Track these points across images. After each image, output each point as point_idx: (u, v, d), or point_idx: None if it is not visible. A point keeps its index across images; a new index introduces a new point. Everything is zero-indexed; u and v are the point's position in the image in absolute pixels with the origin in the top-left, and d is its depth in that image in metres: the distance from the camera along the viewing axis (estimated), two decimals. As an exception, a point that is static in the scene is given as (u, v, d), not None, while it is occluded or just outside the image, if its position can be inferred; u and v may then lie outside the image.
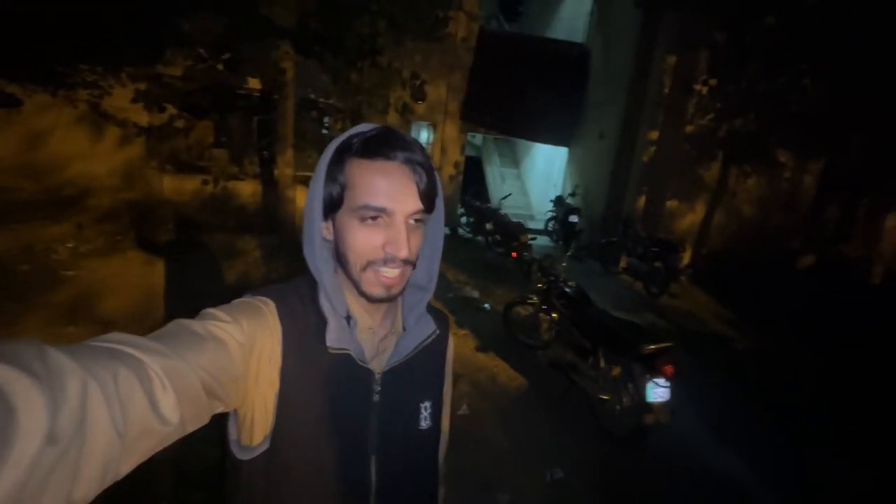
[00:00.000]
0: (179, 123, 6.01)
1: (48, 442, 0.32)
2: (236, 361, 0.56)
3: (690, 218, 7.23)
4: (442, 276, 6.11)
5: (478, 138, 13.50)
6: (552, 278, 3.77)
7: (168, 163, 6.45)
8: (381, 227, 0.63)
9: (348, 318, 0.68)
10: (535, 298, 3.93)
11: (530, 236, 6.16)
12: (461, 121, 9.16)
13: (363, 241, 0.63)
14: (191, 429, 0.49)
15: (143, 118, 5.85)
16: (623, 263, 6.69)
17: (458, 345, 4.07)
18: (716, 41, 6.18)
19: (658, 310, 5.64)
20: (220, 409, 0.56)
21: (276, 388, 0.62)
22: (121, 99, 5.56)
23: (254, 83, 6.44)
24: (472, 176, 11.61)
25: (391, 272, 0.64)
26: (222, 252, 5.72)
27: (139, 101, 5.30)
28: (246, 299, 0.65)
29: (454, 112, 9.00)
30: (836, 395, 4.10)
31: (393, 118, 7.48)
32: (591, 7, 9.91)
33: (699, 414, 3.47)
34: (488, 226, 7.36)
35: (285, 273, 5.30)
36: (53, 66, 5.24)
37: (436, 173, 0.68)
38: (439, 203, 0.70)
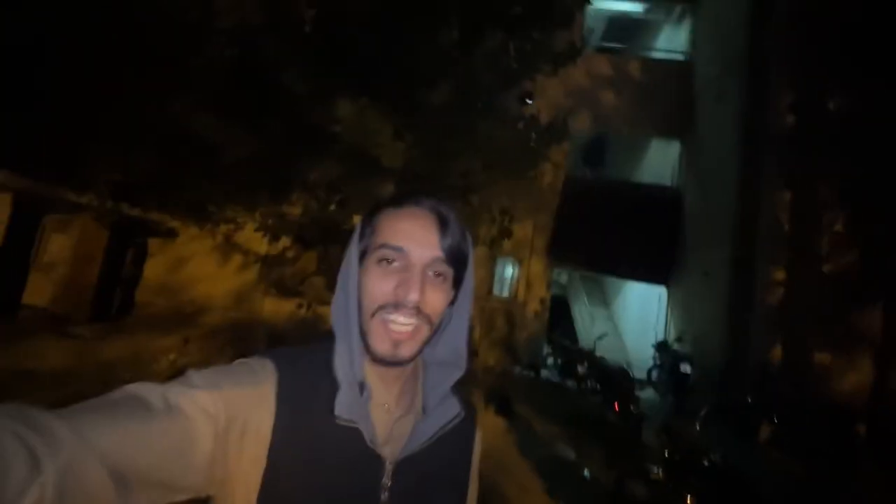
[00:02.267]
0: (290, 253, 6.73)
1: None
2: (200, 439, 0.48)
3: (853, 377, 5.66)
4: (528, 426, 5.27)
5: (563, 277, 13.22)
6: (685, 447, 2.90)
7: (272, 287, 7.07)
8: (396, 271, 0.59)
9: (362, 386, 0.60)
10: (660, 472, 3.01)
11: (637, 385, 5.23)
12: (547, 257, 9.09)
13: (375, 282, 0.60)
14: None
15: (262, 247, 6.68)
16: (766, 432, 5.21)
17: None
18: (831, 176, 5.66)
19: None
20: (181, 498, 0.48)
21: (263, 466, 0.54)
22: (247, 231, 6.48)
23: (357, 219, 7.20)
24: (559, 316, 10.99)
25: (400, 323, 0.58)
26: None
27: (265, 233, 6.09)
28: (245, 360, 0.60)
29: (540, 248, 9.03)
30: None
31: (480, 252, 7.67)
32: (680, 151, 10.15)
33: None
34: (581, 369, 6.54)
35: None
36: (207, 206, 6.41)
37: (467, 236, 0.64)
38: (469, 274, 0.65)
